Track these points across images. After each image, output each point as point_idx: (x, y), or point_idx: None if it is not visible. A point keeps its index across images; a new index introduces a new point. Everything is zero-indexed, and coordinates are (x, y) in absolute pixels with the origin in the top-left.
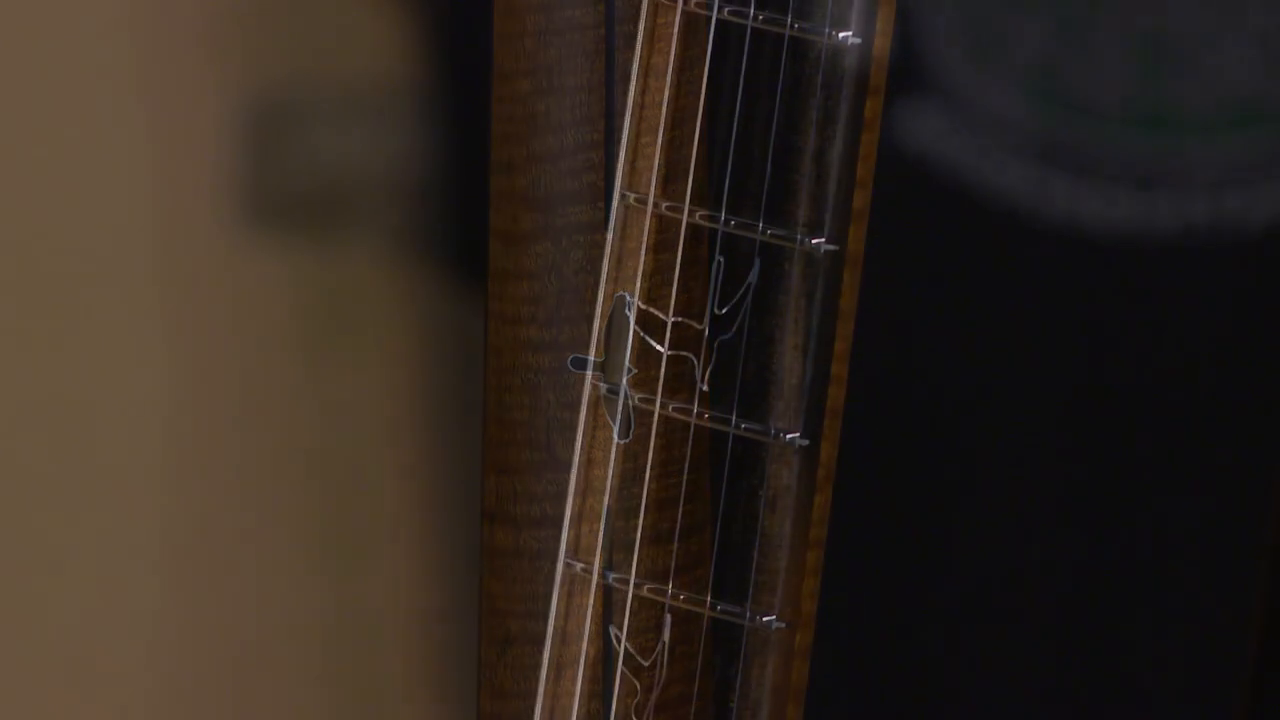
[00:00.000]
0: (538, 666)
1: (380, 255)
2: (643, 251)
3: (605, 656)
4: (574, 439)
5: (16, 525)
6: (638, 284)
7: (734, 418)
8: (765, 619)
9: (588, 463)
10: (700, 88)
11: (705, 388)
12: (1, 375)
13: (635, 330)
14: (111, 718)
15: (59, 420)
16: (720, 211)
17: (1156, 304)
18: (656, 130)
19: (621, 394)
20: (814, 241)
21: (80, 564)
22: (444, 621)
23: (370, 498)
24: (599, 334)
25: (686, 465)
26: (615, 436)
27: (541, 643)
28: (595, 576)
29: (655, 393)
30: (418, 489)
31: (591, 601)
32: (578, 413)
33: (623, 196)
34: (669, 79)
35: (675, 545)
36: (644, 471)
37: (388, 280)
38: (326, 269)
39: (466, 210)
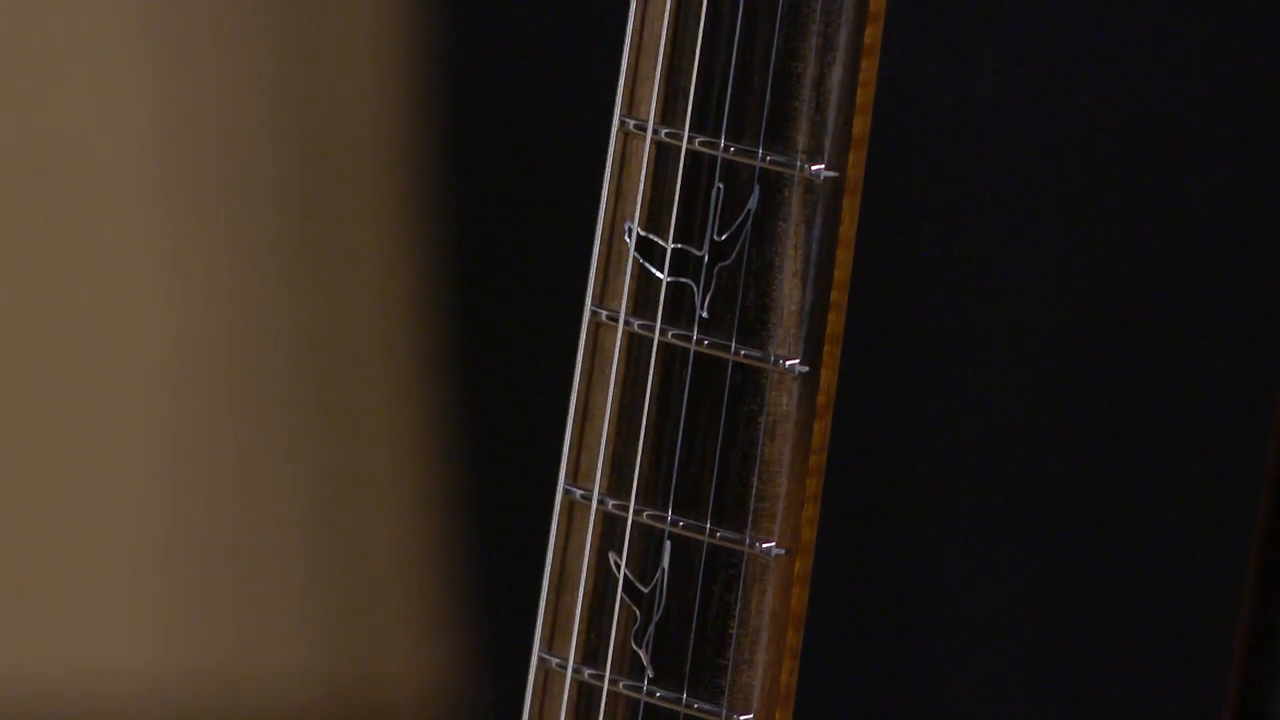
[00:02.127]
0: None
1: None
2: (642, 178)
3: (604, 583)
4: None
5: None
6: (637, 211)
7: (733, 344)
8: (765, 546)
9: (587, 389)
10: (700, 13)
11: (705, 314)
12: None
13: (635, 257)
14: (112, 625)
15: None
16: (719, 138)
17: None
18: (656, 55)
19: (620, 322)
20: (814, 168)
21: (82, 469)
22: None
23: (371, 417)
24: (598, 261)
25: (686, 392)
26: (614, 362)
27: None
28: (594, 503)
29: (655, 319)
30: (417, 420)
31: (591, 528)
32: None
33: (621, 123)
34: (668, 3)
35: (674, 472)
36: (643, 398)
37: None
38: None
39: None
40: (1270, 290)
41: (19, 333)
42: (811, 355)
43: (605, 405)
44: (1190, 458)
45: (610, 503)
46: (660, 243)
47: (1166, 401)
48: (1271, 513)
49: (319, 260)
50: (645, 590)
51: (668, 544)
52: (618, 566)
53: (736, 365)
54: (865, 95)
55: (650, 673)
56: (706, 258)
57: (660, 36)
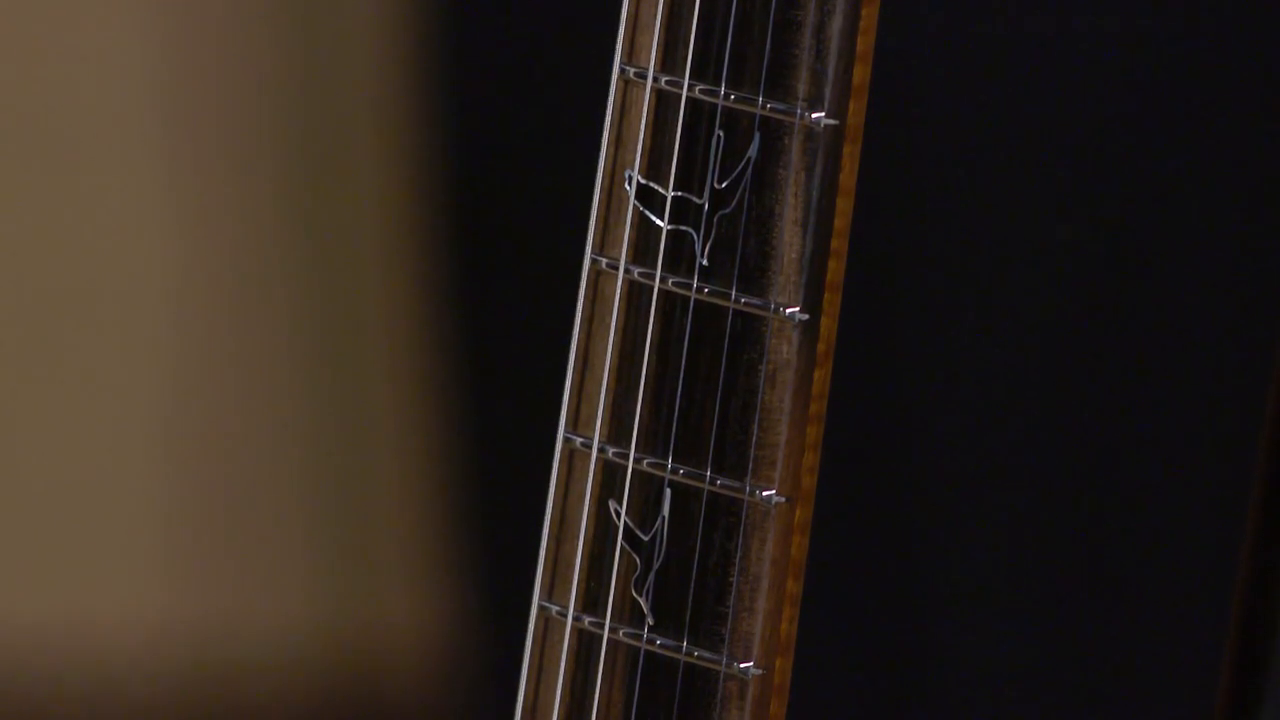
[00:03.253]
0: None
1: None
2: (642, 126)
3: (604, 532)
4: None
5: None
6: (637, 159)
7: (733, 292)
8: (765, 493)
9: (587, 337)
10: None
11: (705, 262)
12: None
13: (635, 205)
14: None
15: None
16: (720, 86)
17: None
18: (656, 3)
19: (620, 270)
20: (814, 116)
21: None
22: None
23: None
24: (598, 209)
25: (686, 340)
26: (614, 311)
27: None
28: (594, 451)
29: (655, 267)
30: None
31: (591, 476)
32: None
33: (622, 71)
34: None
35: (674, 420)
36: (643, 346)
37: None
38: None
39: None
40: (1267, 286)
41: (21, 287)
42: (812, 303)
43: (605, 353)
44: (1190, 448)
45: (610, 451)
46: (660, 191)
47: (1165, 396)
48: (1264, 509)
49: (315, 203)
50: (645, 538)
51: (668, 492)
52: (618, 514)
53: (737, 313)
54: (865, 43)
55: (650, 620)
56: (707, 206)
57: None
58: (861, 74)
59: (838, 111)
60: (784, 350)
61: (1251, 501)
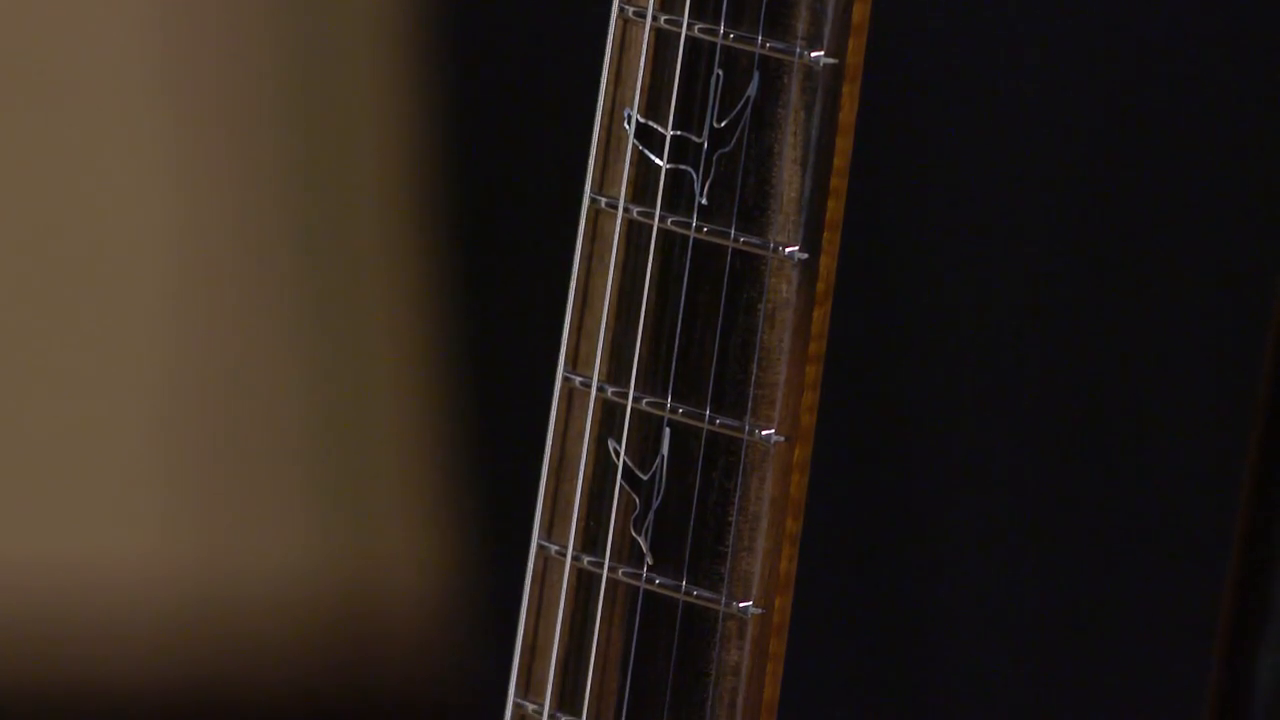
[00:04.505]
0: None
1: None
2: (641, 65)
3: (603, 471)
4: None
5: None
6: (636, 98)
7: (733, 231)
8: (764, 432)
9: (586, 276)
10: None
11: (704, 201)
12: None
13: (634, 144)
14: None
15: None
16: (719, 25)
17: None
18: None
19: (620, 209)
20: (813, 55)
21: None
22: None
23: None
24: (597, 148)
25: (685, 279)
26: (614, 250)
27: None
28: (594, 390)
29: (654, 206)
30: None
31: (590, 415)
32: None
33: (621, 10)
34: None
35: (674, 359)
36: (642, 285)
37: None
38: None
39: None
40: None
41: (21, 225)
42: (811, 242)
43: (604, 292)
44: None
45: (609, 390)
46: (659, 130)
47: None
48: (1254, 503)
49: (313, 132)
50: (644, 477)
51: (667, 431)
52: (617, 454)
53: (736, 252)
54: None
55: (649, 560)
56: (706, 144)
57: None
58: (861, 12)
59: (837, 50)
60: (783, 289)
61: (1241, 503)
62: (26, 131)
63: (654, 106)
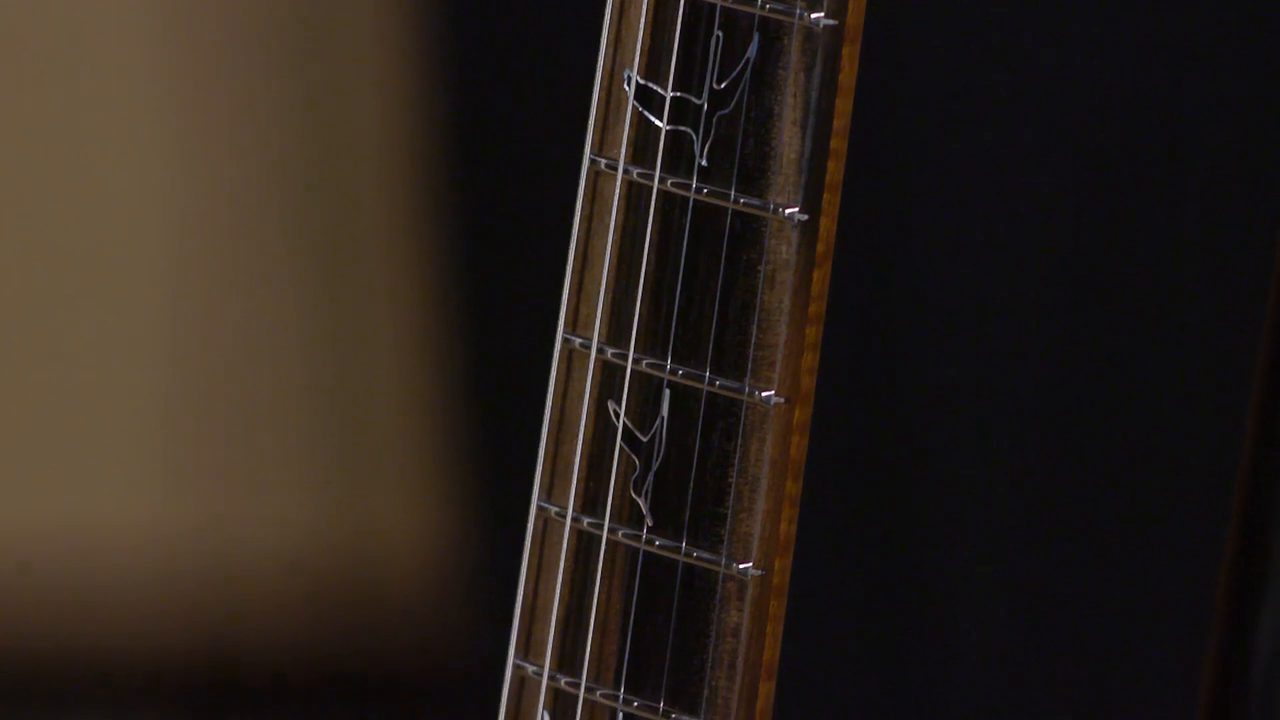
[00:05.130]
0: None
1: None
2: (641, 26)
3: (603, 432)
4: None
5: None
6: (636, 59)
7: (732, 192)
8: (764, 394)
9: (586, 237)
10: None
11: (704, 163)
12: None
13: (634, 105)
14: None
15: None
16: None
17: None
18: None
19: (620, 170)
20: (813, 16)
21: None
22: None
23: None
24: (597, 109)
25: (685, 241)
26: (613, 211)
27: None
28: (593, 352)
29: (654, 168)
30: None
31: (590, 377)
32: None
33: None
34: None
35: (674, 321)
36: (642, 247)
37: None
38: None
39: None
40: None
41: (26, 198)
42: (811, 203)
43: (604, 254)
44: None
45: (609, 351)
46: (659, 91)
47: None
48: (1248, 500)
49: (321, 112)
50: (644, 439)
51: (667, 393)
52: (617, 415)
53: (736, 213)
54: None
55: (649, 521)
56: (705, 106)
57: None
58: None
59: (836, 11)
60: (783, 251)
61: (1235, 504)
62: (33, 110)
63: (654, 68)
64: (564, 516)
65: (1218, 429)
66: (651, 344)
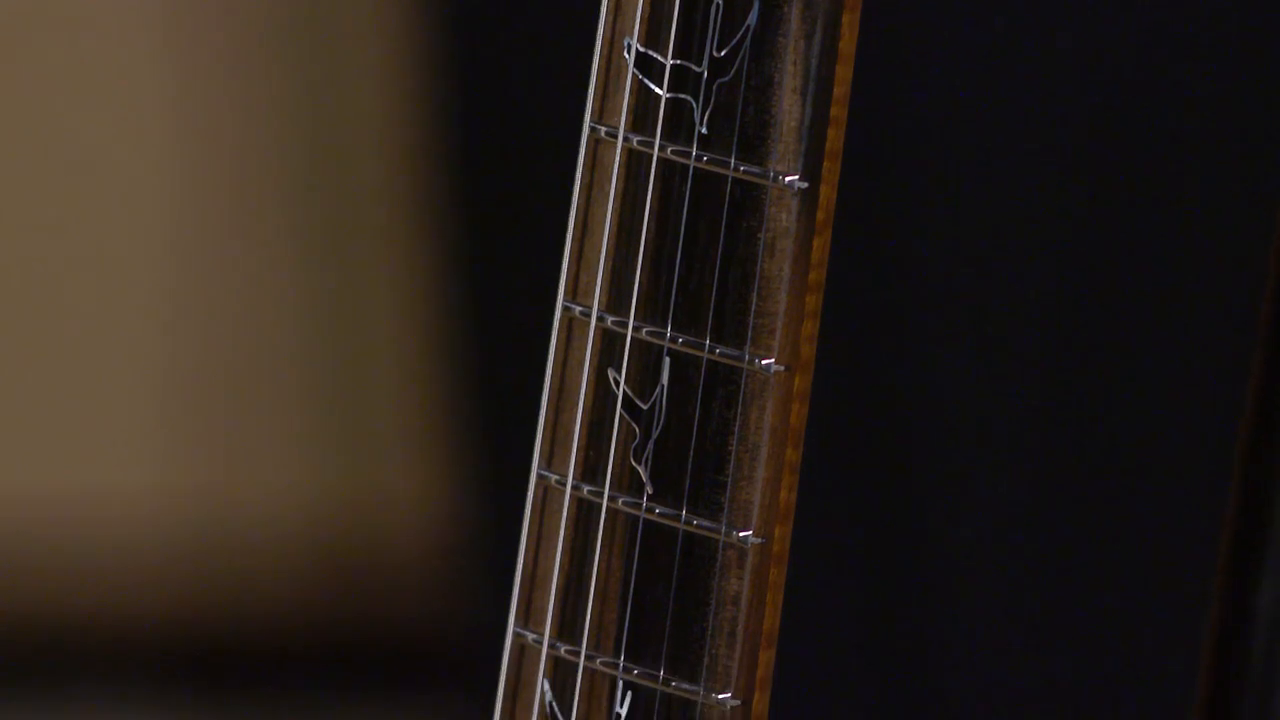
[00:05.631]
0: None
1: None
2: None
3: (603, 400)
4: None
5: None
6: (636, 26)
7: (732, 160)
8: (764, 362)
9: (586, 205)
10: None
11: (704, 130)
12: None
13: (634, 73)
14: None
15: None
16: None
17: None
18: None
19: (620, 138)
20: None
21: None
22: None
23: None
24: (597, 77)
25: (685, 208)
26: (613, 179)
27: None
28: (593, 320)
29: (654, 135)
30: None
31: (590, 345)
32: None
33: None
34: None
35: (674, 288)
36: (642, 215)
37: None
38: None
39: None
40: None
41: (22, 149)
42: (811, 171)
43: (604, 222)
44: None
45: (609, 319)
46: (659, 59)
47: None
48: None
49: (322, 75)
50: (644, 407)
51: (667, 360)
52: (617, 383)
53: (736, 181)
54: None
55: (649, 489)
56: (706, 74)
57: None
58: None
59: None
60: (783, 218)
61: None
62: (35, 88)
63: (654, 35)
64: (564, 484)
65: (1217, 426)
66: (651, 312)
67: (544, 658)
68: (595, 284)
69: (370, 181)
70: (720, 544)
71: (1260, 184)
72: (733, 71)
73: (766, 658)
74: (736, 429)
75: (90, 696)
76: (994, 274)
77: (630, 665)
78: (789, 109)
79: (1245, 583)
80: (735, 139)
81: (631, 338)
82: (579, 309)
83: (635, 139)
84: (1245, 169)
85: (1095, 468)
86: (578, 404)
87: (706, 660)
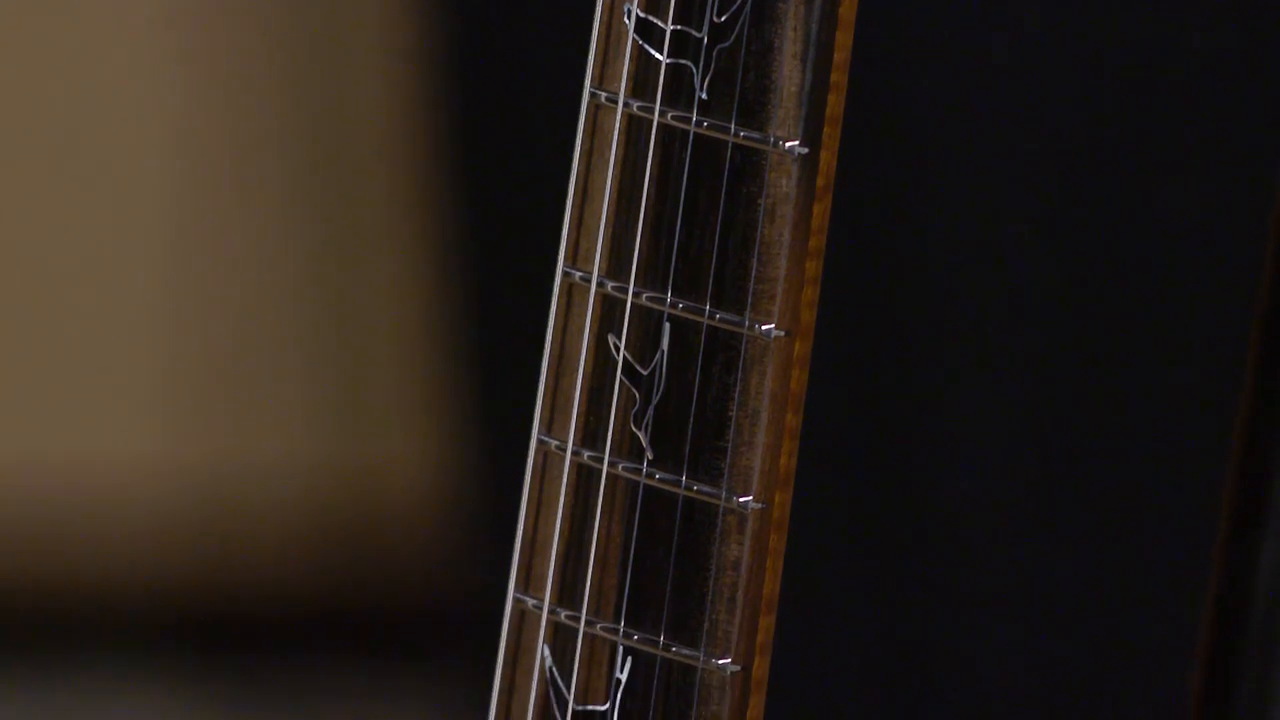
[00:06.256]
0: None
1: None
2: None
3: (603, 366)
4: None
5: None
6: None
7: (733, 126)
8: (764, 327)
9: (586, 171)
10: None
11: (704, 96)
12: None
13: (634, 39)
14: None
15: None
16: None
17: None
18: None
19: (620, 104)
20: None
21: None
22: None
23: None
24: (597, 42)
25: (685, 174)
26: (614, 145)
27: None
28: (593, 285)
29: (654, 101)
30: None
31: (590, 310)
32: None
33: None
34: None
35: (674, 254)
36: (642, 180)
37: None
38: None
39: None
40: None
41: (23, 111)
42: (811, 136)
43: (604, 188)
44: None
45: (609, 285)
46: (659, 24)
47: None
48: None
49: (320, 41)
50: (644, 372)
51: (667, 326)
52: (617, 349)
53: (736, 147)
54: None
55: (650, 455)
56: (706, 39)
57: None
58: None
59: None
60: (783, 184)
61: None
62: (37, 69)
63: (654, 1)
64: (564, 450)
65: (1217, 425)
66: (651, 277)
67: (544, 623)
68: (595, 250)
69: (369, 152)
70: (720, 509)
71: (1260, 183)
72: (733, 37)
73: (767, 623)
74: (737, 394)
75: (90, 664)
76: (994, 270)
77: (630, 631)
78: (789, 74)
79: (1245, 551)
80: (735, 104)
81: (631, 303)
82: (579, 275)
83: (635, 105)
84: (1244, 167)
85: (1097, 450)
86: (578, 370)
87: (707, 626)
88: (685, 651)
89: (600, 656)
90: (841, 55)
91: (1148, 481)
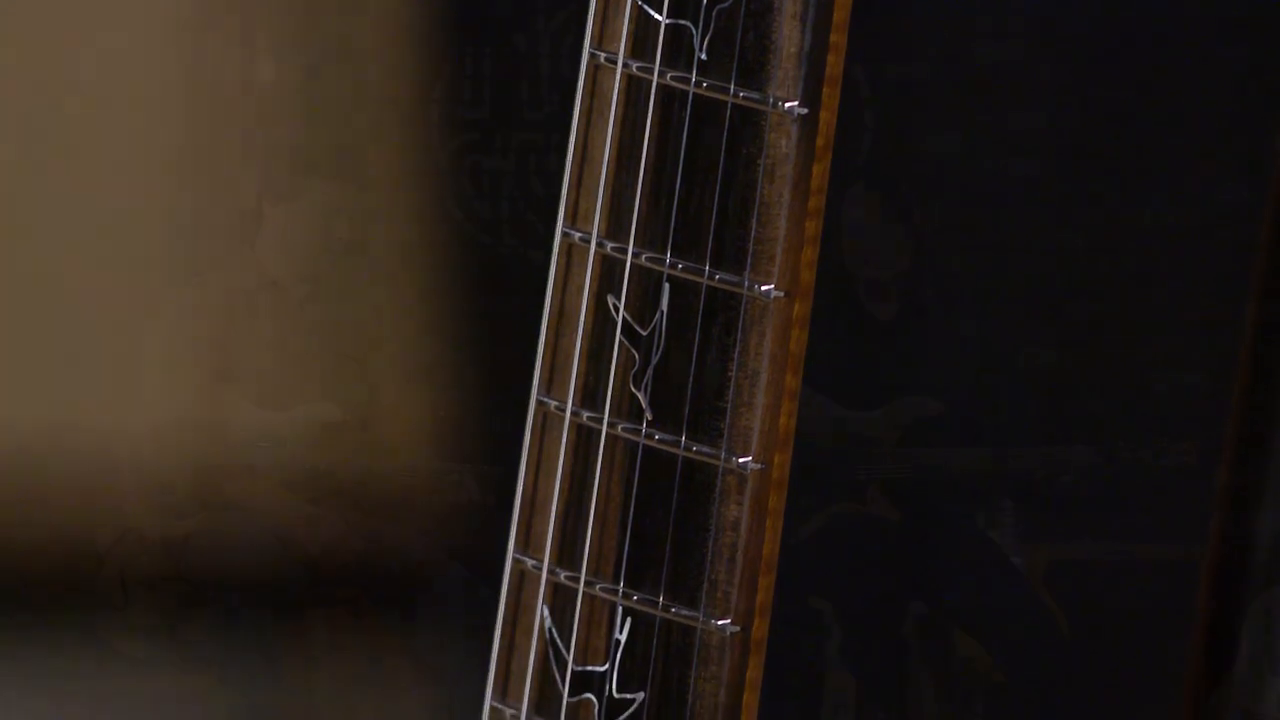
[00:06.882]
0: None
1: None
2: None
3: (603, 326)
4: None
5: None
6: None
7: (732, 86)
8: (763, 288)
9: (586, 131)
10: None
11: (703, 56)
12: None
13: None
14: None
15: None
16: None
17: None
18: None
19: (619, 64)
20: None
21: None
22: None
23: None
24: (597, 3)
25: (685, 134)
26: (613, 105)
27: None
28: (593, 245)
29: (653, 61)
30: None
31: (589, 270)
32: None
33: None
34: None
35: (673, 215)
36: (642, 141)
37: None
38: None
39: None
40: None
41: (27, 104)
42: (810, 97)
43: (604, 148)
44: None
45: (609, 245)
46: None
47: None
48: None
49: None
50: (644, 333)
51: (666, 286)
52: (616, 309)
53: (735, 107)
54: None
55: (649, 415)
56: None
57: None
58: None
59: None
60: (783, 144)
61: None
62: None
63: None
64: (564, 410)
65: (1218, 424)
66: (651, 238)
67: (543, 584)
68: (595, 210)
69: (375, 106)
70: (720, 470)
71: (1259, 184)
72: None
73: (766, 583)
74: (736, 355)
75: (92, 622)
76: (994, 267)
77: (630, 591)
78: (789, 35)
79: (1244, 514)
80: (735, 65)
81: (631, 264)
82: (578, 235)
83: (635, 65)
84: (1243, 167)
85: (1095, 436)
86: (577, 330)
87: (706, 586)
88: (685, 612)
89: (600, 617)
90: (841, 15)
91: (1146, 473)
